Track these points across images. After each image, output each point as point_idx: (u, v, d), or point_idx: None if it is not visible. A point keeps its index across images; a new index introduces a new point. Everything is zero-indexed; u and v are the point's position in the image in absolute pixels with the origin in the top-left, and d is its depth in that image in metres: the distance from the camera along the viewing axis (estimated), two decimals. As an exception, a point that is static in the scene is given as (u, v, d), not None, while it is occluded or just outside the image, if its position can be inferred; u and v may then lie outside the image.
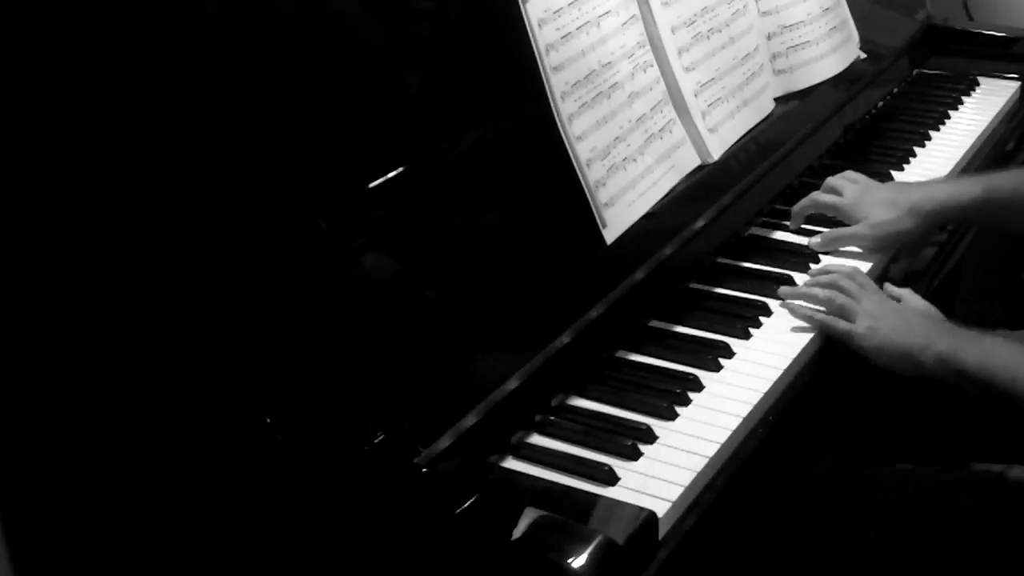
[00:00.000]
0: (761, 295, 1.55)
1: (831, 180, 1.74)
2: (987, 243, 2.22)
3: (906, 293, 1.58)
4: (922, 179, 1.89)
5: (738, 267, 1.64)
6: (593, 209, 1.43)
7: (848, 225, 1.68)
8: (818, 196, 1.72)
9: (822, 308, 1.50)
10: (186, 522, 1.29)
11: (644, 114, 1.55)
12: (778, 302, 1.54)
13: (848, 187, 1.71)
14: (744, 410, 1.33)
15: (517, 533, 1.09)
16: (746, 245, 1.70)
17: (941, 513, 1.42)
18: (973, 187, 1.69)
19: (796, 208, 1.73)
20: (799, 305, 1.51)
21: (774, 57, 1.88)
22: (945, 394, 1.69)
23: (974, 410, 1.66)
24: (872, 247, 1.67)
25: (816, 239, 1.68)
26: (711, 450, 1.27)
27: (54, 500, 1.37)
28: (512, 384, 1.27)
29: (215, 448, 1.22)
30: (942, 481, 1.46)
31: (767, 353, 1.44)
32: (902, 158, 1.96)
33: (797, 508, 1.50)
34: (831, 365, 1.48)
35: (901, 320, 1.47)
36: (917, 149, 2.00)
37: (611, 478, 1.21)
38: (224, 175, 1.25)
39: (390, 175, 1.32)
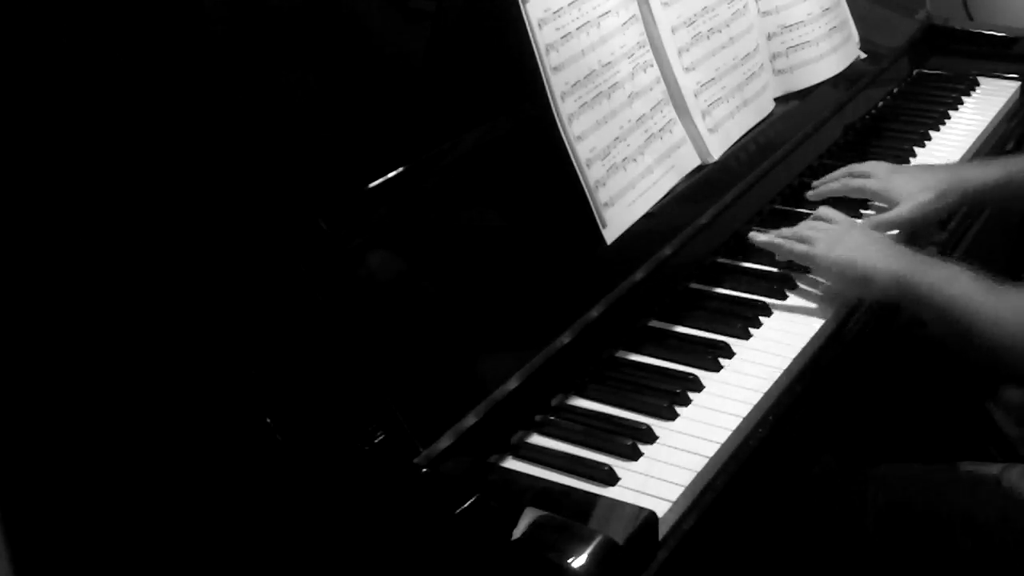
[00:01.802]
0: (761, 295, 1.55)
1: (856, 166, 1.80)
2: (987, 242, 2.22)
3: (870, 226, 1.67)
4: None
5: (738, 267, 1.64)
6: (593, 209, 1.43)
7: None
8: (848, 180, 1.78)
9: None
10: (186, 522, 1.29)
11: (644, 114, 1.55)
12: (778, 302, 1.54)
13: (875, 170, 1.77)
14: (744, 410, 1.33)
15: (517, 533, 1.08)
16: (746, 245, 1.69)
17: (941, 512, 1.42)
18: (996, 169, 1.75)
19: (820, 187, 1.79)
20: (764, 241, 1.61)
21: (774, 57, 1.88)
22: (944, 394, 1.69)
23: (973, 410, 1.66)
24: (911, 229, 1.72)
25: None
26: (711, 450, 1.27)
27: (54, 500, 1.37)
28: (512, 384, 1.27)
29: (215, 448, 1.22)
30: (942, 480, 1.46)
31: (767, 353, 1.44)
32: (902, 158, 1.96)
33: (797, 507, 1.50)
34: (831, 364, 1.48)
35: (859, 242, 1.55)
36: (917, 149, 2.00)
37: (611, 478, 1.21)
38: (224, 175, 1.25)
39: (390, 175, 1.32)
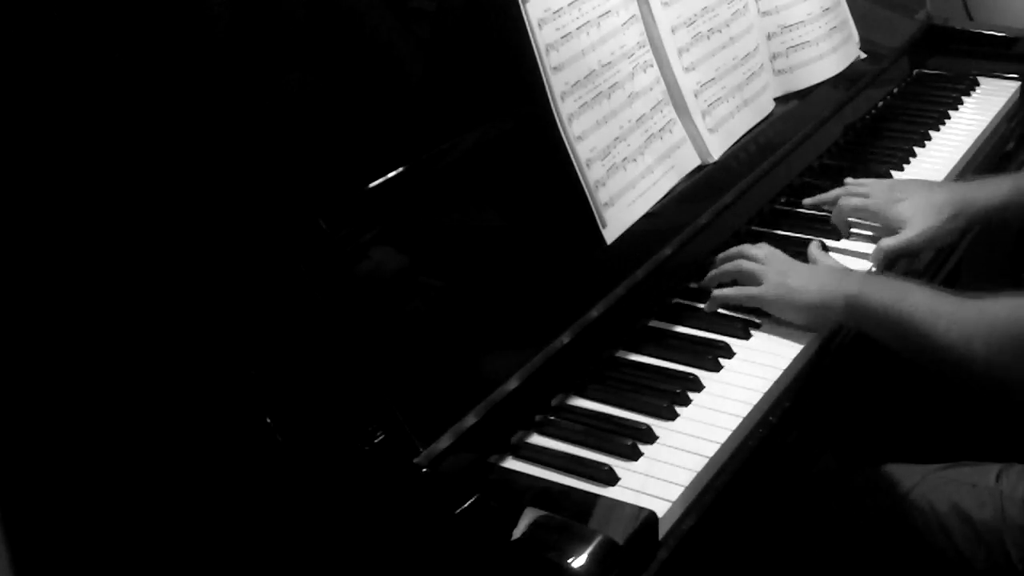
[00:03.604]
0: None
1: (852, 185, 1.74)
2: (987, 243, 2.23)
3: (818, 254, 1.60)
4: (922, 178, 1.89)
5: (738, 267, 1.64)
6: (593, 209, 1.43)
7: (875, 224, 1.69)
8: (846, 202, 1.71)
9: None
10: (186, 522, 1.29)
11: (644, 114, 1.55)
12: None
13: (874, 187, 1.72)
14: (744, 410, 1.33)
15: (517, 533, 1.09)
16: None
17: (940, 512, 1.42)
18: (1005, 187, 1.69)
19: (835, 219, 1.72)
20: (713, 298, 1.52)
21: (774, 57, 1.88)
22: (943, 394, 1.69)
23: (973, 409, 1.66)
24: (921, 252, 1.67)
25: (878, 254, 1.65)
26: (711, 450, 1.27)
27: (54, 500, 1.37)
28: (512, 384, 1.27)
29: (215, 448, 1.22)
30: (941, 480, 1.46)
31: (767, 353, 1.44)
32: (902, 158, 1.96)
33: (797, 507, 1.50)
34: (831, 365, 1.48)
35: (807, 272, 1.50)
36: (917, 149, 2.00)
37: (611, 478, 1.21)
38: (225, 175, 1.25)
39: (390, 175, 1.32)
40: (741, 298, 1.50)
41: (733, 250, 1.57)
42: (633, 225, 1.48)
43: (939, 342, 1.32)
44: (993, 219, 1.71)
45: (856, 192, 1.72)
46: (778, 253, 1.54)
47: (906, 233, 1.64)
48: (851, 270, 1.54)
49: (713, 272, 1.56)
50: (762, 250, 1.55)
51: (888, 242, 1.64)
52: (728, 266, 1.55)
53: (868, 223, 1.71)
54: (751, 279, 1.51)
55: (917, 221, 1.64)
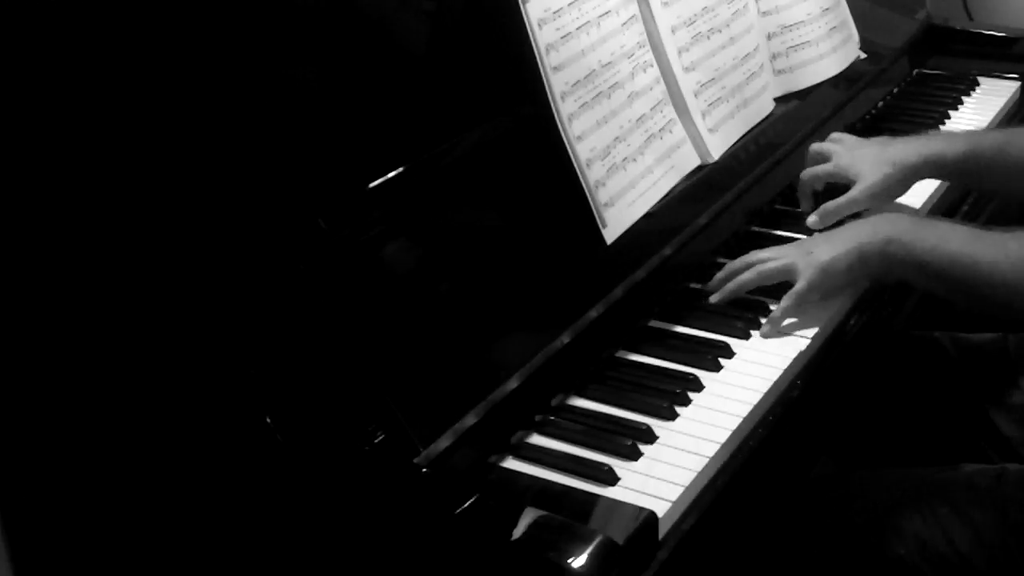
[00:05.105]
0: (762, 295, 1.54)
1: (815, 147, 1.73)
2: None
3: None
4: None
5: (738, 267, 1.64)
6: (593, 209, 1.43)
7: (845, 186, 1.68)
8: (812, 170, 1.70)
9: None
10: (186, 522, 1.29)
11: (644, 114, 1.55)
12: (779, 302, 1.53)
13: (835, 148, 1.71)
14: (744, 410, 1.33)
15: (517, 533, 1.09)
16: (746, 245, 1.69)
17: (940, 513, 1.42)
18: (957, 144, 1.67)
19: (800, 190, 1.72)
20: (772, 319, 1.47)
21: (774, 57, 1.88)
22: (943, 395, 1.69)
23: (973, 410, 1.66)
24: (868, 207, 1.64)
25: (813, 217, 1.65)
26: (711, 450, 1.27)
27: (54, 500, 1.37)
28: (512, 384, 1.27)
29: (215, 448, 1.22)
30: (940, 481, 1.46)
31: (767, 353, 1.44)
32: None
33: (796, 508, 1.50)
34: (831, 365, 1.48)
35: (828, 240, 1.49)
36: (917, 149, 2.00)
37: (611, 478, 1.21)
38: (225, 175, 1.25)
39: (390, 175, 1.32)
40: (794, 304, 1.46)
41: (738, 262, 1.53)
42: (633, 225, 1.48)
43: (981, 289, 1.34)
44: (944, 174, 1.70)
45: (820, 151, 1.71)
46: (784, 246, 1.54)
47: (850, 192, 1.64)
48: (867, 219, 1.53)
49: (730, 286, 1.51)
50: (768, 251, 1.53)
51: (829, 204, 1.64)
52: (745, 277, 1.50)
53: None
54: (783, 276, 1.48)
55: (865, 177, 1.64)
